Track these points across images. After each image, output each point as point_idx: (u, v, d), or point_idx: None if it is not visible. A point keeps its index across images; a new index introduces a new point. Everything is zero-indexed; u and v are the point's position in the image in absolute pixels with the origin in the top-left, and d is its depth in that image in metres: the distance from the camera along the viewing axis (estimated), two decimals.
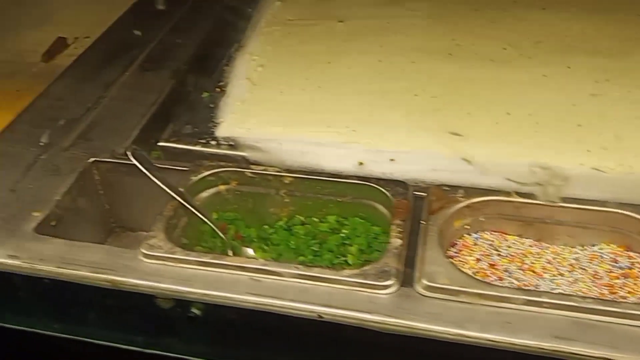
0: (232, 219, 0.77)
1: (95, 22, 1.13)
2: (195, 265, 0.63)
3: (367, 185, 0.72)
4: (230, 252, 0.72)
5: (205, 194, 0.75)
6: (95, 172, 0.79)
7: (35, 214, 0.71)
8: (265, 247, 0.76)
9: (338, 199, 0.74)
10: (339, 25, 1.01)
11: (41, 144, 0.81)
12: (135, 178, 0.79)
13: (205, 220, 0.71)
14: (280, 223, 0.76)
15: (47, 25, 1.14)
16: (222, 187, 0.76)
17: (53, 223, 0.72)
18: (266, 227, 0.77)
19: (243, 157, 0.79)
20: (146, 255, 0.64)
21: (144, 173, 0.70)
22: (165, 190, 0.70)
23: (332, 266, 0.70)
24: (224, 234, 0.74)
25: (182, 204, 0.70)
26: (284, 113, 0.83)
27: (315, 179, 0.74)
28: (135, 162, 0.69)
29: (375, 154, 0.76)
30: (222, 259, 0.63)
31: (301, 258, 0.73)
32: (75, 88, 0.92)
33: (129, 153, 0.70)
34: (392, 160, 0.75)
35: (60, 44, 1.03)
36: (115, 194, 0.81)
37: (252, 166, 0.76)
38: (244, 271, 0.62)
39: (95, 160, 0.79)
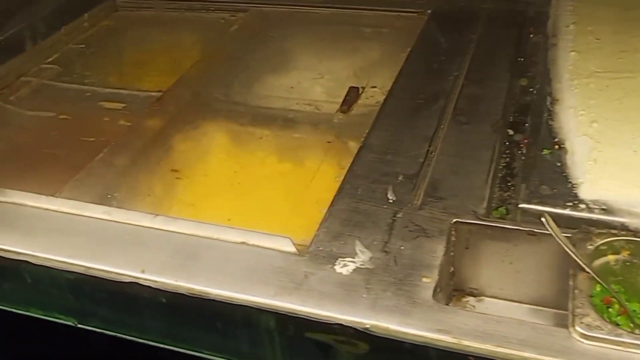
0: (614, 291, 0.70)
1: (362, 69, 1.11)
2: None
3: None
4: (638, 331, 0.65)
5: (595, 263, 0.69)
6: (453, 233, 0.74)
7: (425, 279, 0.66)
8: None
9: None
10: None
11: (390, 201, 0.77)
12: (496, 241, 0.74)
13: (614, 294, 0.64)
14: None
15: (320, 75, 1.13)
16: (611, 257, 0.69)
17: (438, 290, 0.67)
18: None
19: (621, 224, 0.72)
20: (584, 336, 0.58)
21: (558, 240, 0.64)
22: (577, 260, 0.63)
23: None
24: (608, 308, 0.67)
25: (594, 276, 0.63)
26: None
27: None
28: (551, 229, 0.63)
29: None
30: None
31: None
32: (394, 141, 0.88)
33: (545, 219, 0.64)
34: None
35: (355, 94, 1.00)
36: (466, 256, 0.76)
37: None
38: None
39: (457, 221, 0.74)
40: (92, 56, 1.31)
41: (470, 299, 0.79)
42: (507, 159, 0.86)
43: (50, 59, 1.29)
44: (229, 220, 0.77)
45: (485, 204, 0.76)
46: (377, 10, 1.27)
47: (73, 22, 1.39)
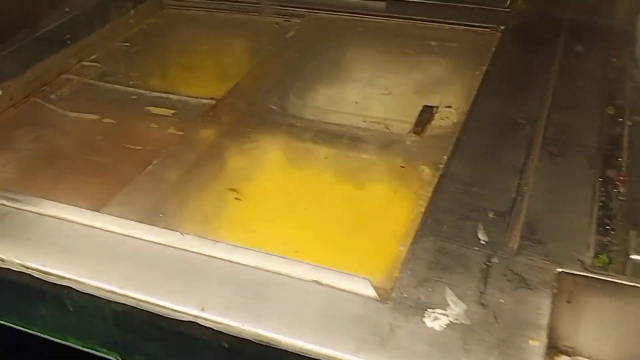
0: None
1: (432, 87, 1.02)
2: None
3: None
4: None
5: None
6: (555, 284, 0.65)
7: (532, 342, 0.57)
8: None
9: None
10: None
11: (482, 242, 0.68)
12: (605, 297, 0.64)
13: None
14: None
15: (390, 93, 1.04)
16: None
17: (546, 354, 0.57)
18: None
19: None
20: None
21: None
22: None
23: None
24: None
25: None
26: None
27: None
28: None
29: None
30: None
31: None
32: (480, 171, 0.79)
33: None
34: None
35: (429, 114, 0.91)
36: (567, 310, 0.66)
37: None
38: None
39: (562, 272, 0.64)
40: (136, 55, 1.24)
41: (565, 358, 0.69)
42: (603, 198, 0.76)
43: (92, 57, 1.21)
44: (296, 252, 0.69)
45: (591, 252, 0.67)
46: (446, 23, 1.18)
47: (118, 19, 1.31)
